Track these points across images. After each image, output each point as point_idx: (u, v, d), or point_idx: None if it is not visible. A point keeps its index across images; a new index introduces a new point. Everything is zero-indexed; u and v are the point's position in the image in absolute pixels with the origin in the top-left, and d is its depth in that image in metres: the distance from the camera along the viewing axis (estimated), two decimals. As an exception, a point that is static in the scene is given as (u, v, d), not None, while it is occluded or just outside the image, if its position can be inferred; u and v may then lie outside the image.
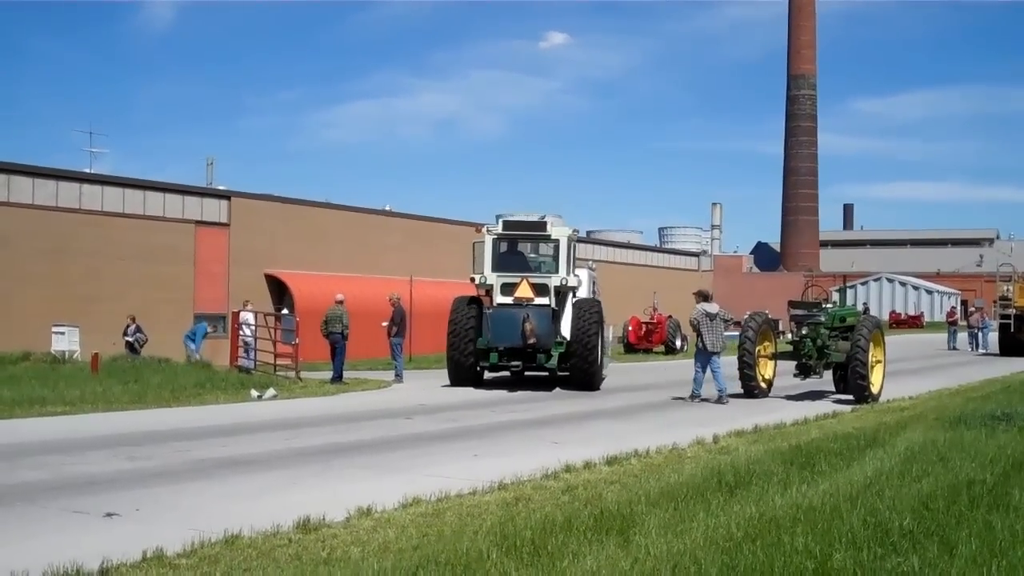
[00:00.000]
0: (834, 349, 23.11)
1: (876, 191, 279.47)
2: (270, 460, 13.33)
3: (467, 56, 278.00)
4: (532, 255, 27.01)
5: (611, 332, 33.50)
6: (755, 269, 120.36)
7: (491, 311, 24.94)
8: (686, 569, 7.29)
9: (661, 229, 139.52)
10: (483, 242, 26.20)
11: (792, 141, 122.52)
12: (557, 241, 25.98)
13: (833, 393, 24.20)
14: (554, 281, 25.40)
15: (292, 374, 26.71)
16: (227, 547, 8.37)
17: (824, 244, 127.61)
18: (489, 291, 25.75)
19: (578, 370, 25.03)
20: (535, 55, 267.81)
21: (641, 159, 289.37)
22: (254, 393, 22.50)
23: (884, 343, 23.87)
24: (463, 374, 25.31)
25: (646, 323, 47.53)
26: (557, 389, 25.60)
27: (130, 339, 35.85)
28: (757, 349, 23.08)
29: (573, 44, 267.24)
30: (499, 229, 26.26)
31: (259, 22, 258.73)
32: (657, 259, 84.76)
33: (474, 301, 25.76)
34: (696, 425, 17.36)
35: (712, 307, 22.81)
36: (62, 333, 35.90)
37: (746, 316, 24.06)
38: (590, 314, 25.23)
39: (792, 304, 24.60)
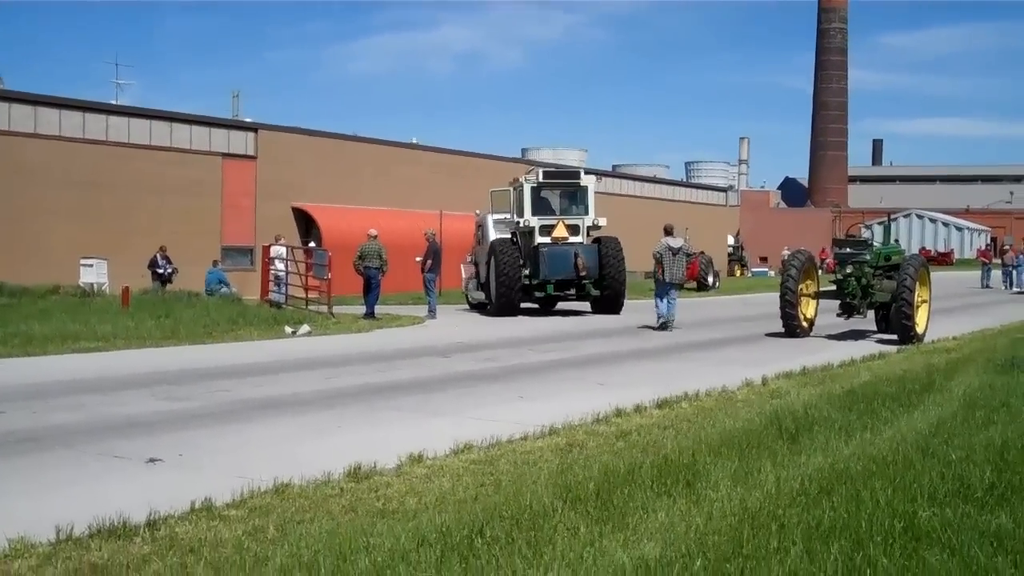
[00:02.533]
0: (879, 288, 22.56)
1: (905, 126, 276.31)
2: (311, 401, 12.99)
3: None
4: (558, 199, 30.23)
5: None
6: (783, 205, 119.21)
7: (546, 249, 28.34)
8: (766, 527, 6.87)
9: (688, 164, 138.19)
10: (504, 190, 30.10)
11: (822, 75, 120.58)
12: (586, 188, 29.93)
13: (875, 333, 23.68)
14: (587, 222, 29.27)
15: (324, 309, 26.38)
16: (277, 496, 8.00)
17: (853, 180, 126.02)
18: (529, 233, 28.91)
19: (611, 296, 28.94)
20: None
21: (667, 93, 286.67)
22: (288, 329, 22.18)
23: (930, 283, 23.30)
24: (510, 307, 28.25)
25: (678, 259, 46.87)
26: (593, 325, 26.07)
27: (160, 270, 35.41)
28: (799, 288, 22.57)
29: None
30: (538, 178, 29.58)
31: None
32: (685, 194, 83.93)
33: (513, 241, 28.94)
34: (742, 366, 16.98)
35: (676, 241, 24.69)
36: (90, 266, 35.76)
37: (787, 254, 23.55)
38: (616, 250, 28.98)
39: (837, 242, 24.03)
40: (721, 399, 13.40)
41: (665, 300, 24.42)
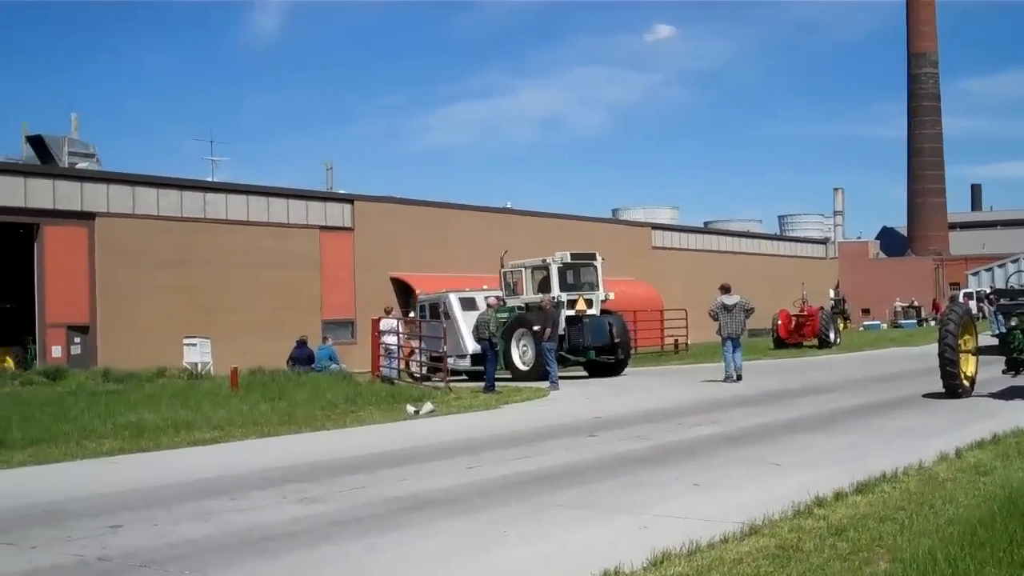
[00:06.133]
0: (1048, 341, 20.58)
1: (1003, 170, 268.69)
2: (461, 498, 11.44)
3: (567, 53, 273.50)
4: (574, 276, 33.22)
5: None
6: (881, 255, 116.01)
7: (588, 320, 31.84)
8: None
9: (781, 217, 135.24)
10: (512, 270, 33.64)
11: (915, 121, 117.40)
12: (597, 267, 33.23)
13: (1035, 389, 21.66)
14: (600, 296, 32.82)
15: (441, 384, 25.05)
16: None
17: (952, 226, 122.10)
18: (557, 305, 30.97)
19: (622, 361, 32.73)
20: (635, 49, 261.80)
21: (755, 147, 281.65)
22: (410, 409, 20.78)
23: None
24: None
25: (796, 316, 45.02)
26: (722, 392, 24.33)
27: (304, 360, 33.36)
28: (959, 343, 20.68)
29: (678, 36, 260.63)
30: (564, 260, 32.66)
31: (360, 27, 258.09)
32: (782, 248, 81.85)
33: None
34: (918, 435, 15.30)
35: (731, 299, 27.29)
36: (193, 345, 35.02)
37: (945, 307, 21.69)
38: (623, 320, 33.44)
39: (998, 292, 22.15)
40: (922, 479, 11.64)
41: (730, 353, 26.94)
